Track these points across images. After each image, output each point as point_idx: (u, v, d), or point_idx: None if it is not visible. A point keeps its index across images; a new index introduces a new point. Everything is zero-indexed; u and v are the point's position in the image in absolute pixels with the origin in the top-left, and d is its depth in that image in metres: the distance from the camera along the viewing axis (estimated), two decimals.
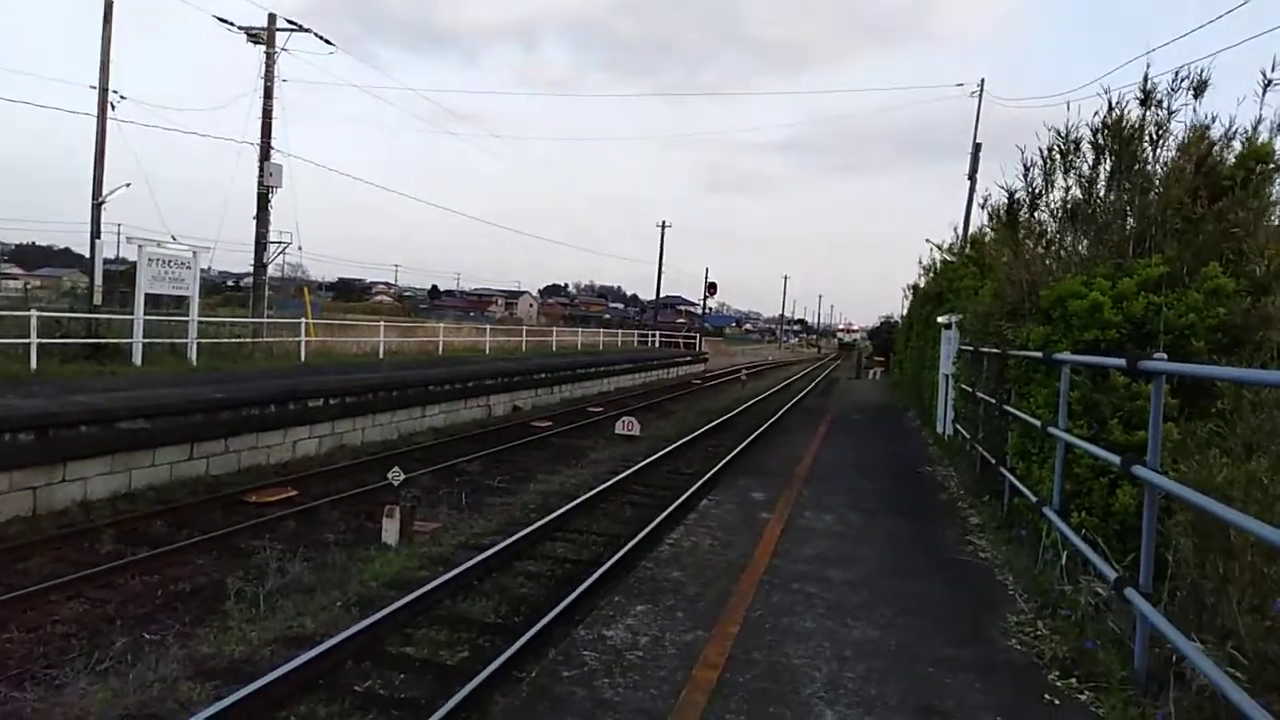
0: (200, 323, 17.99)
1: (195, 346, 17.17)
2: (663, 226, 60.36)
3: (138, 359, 15.81)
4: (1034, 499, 6.52)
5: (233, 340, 19.55)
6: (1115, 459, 4.55)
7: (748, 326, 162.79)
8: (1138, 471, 4.19)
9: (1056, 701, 4.19)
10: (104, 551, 8.65)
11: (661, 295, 69.40)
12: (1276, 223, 6.43)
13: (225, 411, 12.12)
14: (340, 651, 6.09)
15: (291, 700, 5.49)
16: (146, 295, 16.25)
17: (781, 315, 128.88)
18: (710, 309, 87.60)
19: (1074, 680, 4.39)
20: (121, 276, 20.31)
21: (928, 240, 32.05)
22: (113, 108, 18.61)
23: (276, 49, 21.94)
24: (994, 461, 8.44)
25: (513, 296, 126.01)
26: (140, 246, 16.35)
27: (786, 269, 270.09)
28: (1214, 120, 7.05)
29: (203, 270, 19.73)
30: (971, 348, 10.52)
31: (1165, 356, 4.40)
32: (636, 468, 13.87)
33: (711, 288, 68.51)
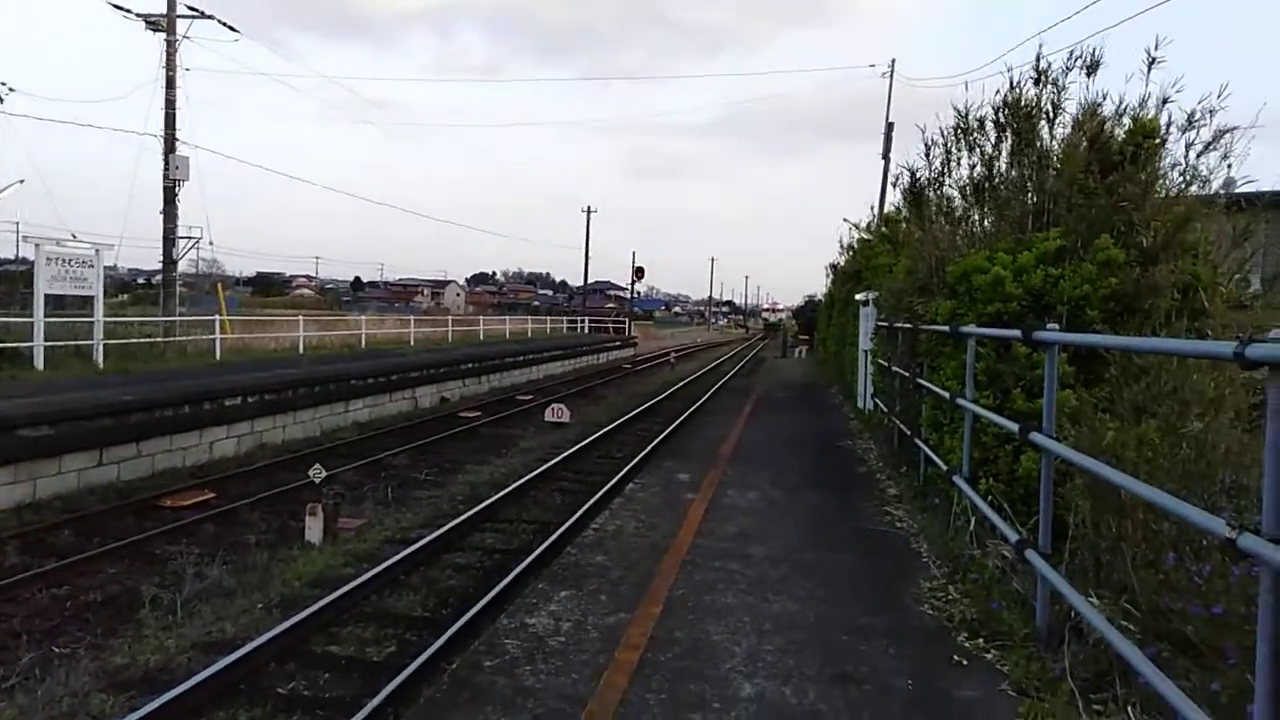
0: (107, 323, 17.32)
1: (102, 348, 16.52)
2: (588, 211, 60.16)
3: (39, 363, 15.14)
4: (945, 468, 6.75)
5: (143, 340, 18.85)
6: (1015, 427, 4.74)
7: (677, 309, 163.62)
8: (1034, 438, 4.38)
9: (964, 662, 4.35)
10: (7, 565, 8.29)
11: (590, 281, 69.30)
12: (1163, 195, 6.71)
13: (136, 414, 11.70)
14: (261, 654, 5.98)
15: (211, 707, 5.38)
16: (48, 296, 15.58)
17: (710, 297, 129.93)
18: (639, 293, 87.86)
19: (981, 640, 4.56)
20: (21, 277, 19.42)
21: (845, 219, 32.64)
22: (0, 100, 17.74)
23: (178, 36, 21.09)
24: (909, 433, 8.70)
25: (439, 286, 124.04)
26: (38, 245, 15.64)
27: (714, 251, 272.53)
28: (1104, 97, 7.32)
29: (110, 268, 18.99)
30: (887, 323, 10.79)
31: (1057, 327, 4.58)
32: (566, 454, 13.87)
33: (639, 272, 68.55)
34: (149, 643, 6.37)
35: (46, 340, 15.43)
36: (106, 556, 8.61)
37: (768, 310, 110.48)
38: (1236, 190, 6.59)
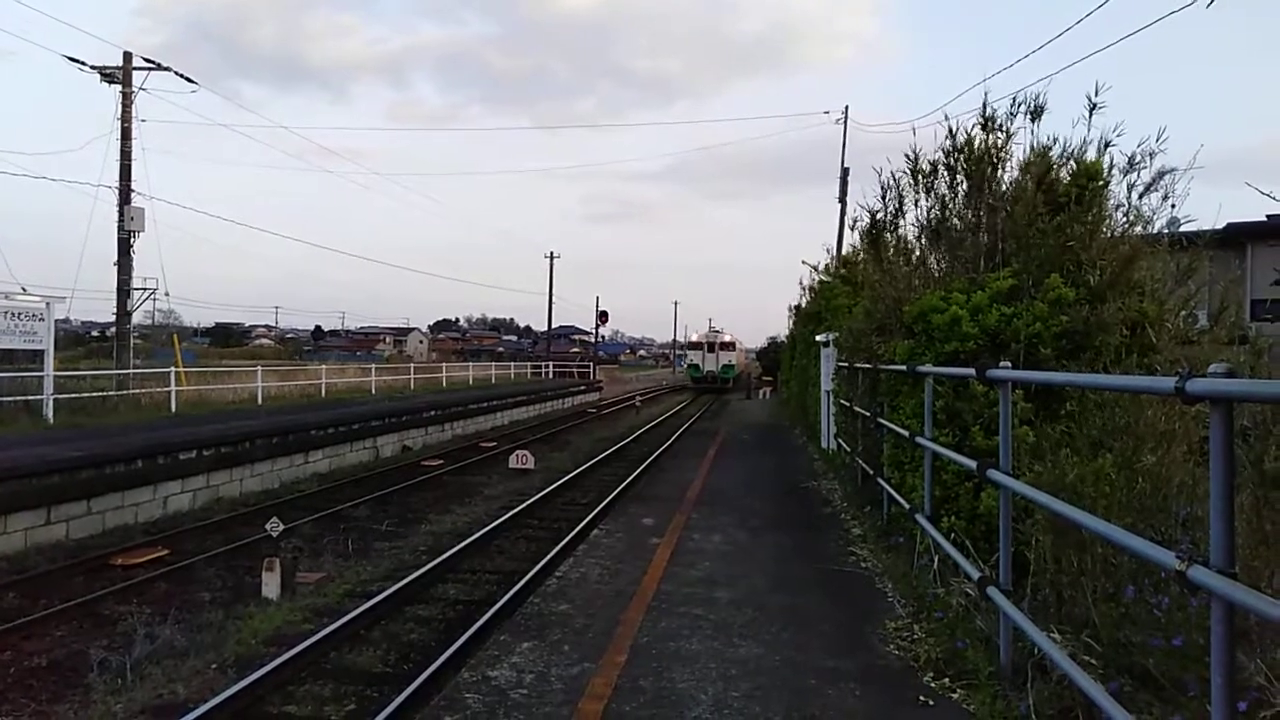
0: (58, 377, 16.94)
1: (52, 403, 16.13)
2: (551, 257, 60.37)
3: None
4: (908, 506, 6.78)
5: (95, 394, 18.44)
6: (973, 464, 4.78)
7: (642, 353, 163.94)
8: (992, 475, 4.40)
9: (931, 702, 4.33)
10: None
11: (554, 326, 69.26)
12: (1109, 235, 6.89)
13: (85, 470, 11.39)
14: (214, 717, 5.77)
15: None
16: None
17: (674, 340, 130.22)
18: (603, 337, 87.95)
19: (947, 680, 4.54)
20: None
21: (804, 262, 33.13)
22: None
23: (134, 88, 21.01)
24: (872, 472, 8.74)
25: (401, 334, 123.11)
26: None
27: (676, 295, 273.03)
28: (1054, 141, 7.54)
29: (63, 321, 18.62)
30: (847, 364, 10.88)
31: (1010, 365, 4.65)
32: (530, 501, 13.73)
33: (603, 316, 68.72)
34: (96, 708, 6.13)
35: None
36: (53, 619, 8.31)
37: (693, 345, 60.19)
38: (1179, 229, 6.79)
